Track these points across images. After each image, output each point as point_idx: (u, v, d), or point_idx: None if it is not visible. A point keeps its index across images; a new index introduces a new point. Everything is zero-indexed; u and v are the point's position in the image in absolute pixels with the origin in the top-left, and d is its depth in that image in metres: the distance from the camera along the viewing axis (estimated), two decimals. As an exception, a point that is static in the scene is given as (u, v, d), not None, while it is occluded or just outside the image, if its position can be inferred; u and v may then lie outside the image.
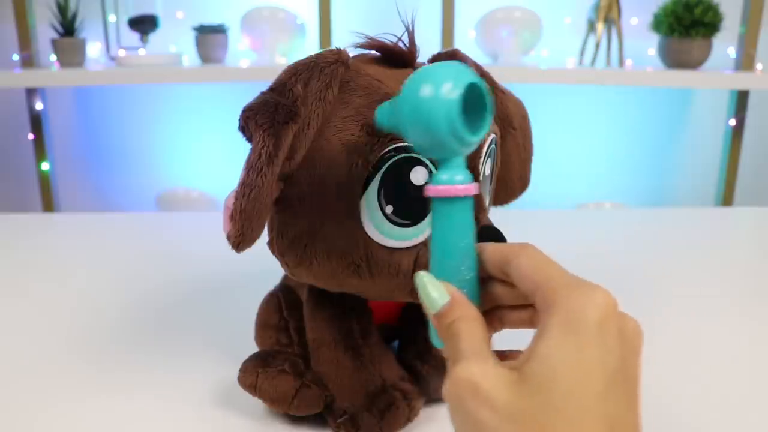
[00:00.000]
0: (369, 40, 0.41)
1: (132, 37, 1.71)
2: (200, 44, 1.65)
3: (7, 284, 0.71)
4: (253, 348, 0.50)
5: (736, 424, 0.45)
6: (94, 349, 0.55)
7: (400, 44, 0.41)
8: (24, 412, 0.46)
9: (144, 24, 1.66)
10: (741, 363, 0.53)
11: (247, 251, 0.36)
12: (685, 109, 1.93)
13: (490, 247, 0.31)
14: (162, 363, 0.52)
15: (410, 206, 0.38)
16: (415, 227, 0.39)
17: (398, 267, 0.39)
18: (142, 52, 1.68)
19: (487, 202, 0.42)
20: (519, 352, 0.28)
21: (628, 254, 0.81)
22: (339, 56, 0.39)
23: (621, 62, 1.68)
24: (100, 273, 0.73)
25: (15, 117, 1.84)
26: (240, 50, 1.78)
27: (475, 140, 0.30)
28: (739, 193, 1.79)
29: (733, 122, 1.75)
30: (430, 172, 0.38)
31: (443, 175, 0.31)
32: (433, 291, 0.29)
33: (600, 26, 1.64)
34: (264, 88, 0.38)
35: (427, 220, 0.39)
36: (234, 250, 0.36)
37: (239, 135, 0.37)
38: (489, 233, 0.38)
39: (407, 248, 0.39)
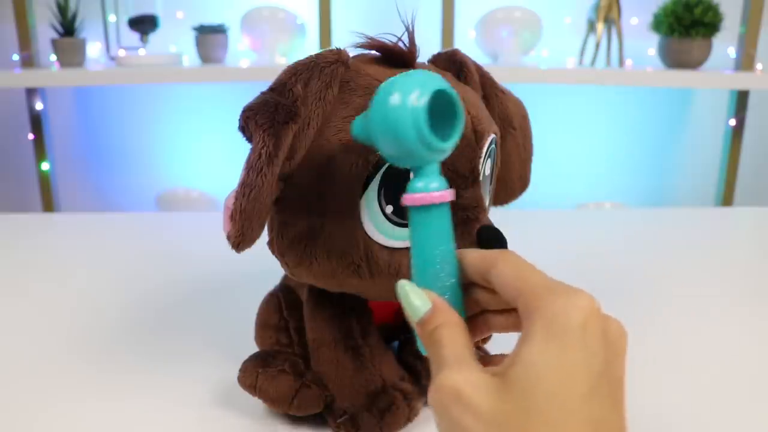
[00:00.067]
0: (369, 40, 0.40)
1: (132, 37, 1.71)
2: (200, 44, 1.66)
3: (7, 284, 0.71)
4: (253, 348, 0.50)
5: (736, 424, 0.45)
6: (94, 350, 0.55)
7: (400, 44, 0.41)
8: (24, 412, 0.46)
9: (144, 24, 1.66)
10: (741, 363, 0.53)
11: (247, 251, 0.36)
12: (685, 109, 1.93)
13: (471, 254, 0.31)
14: (162, 363, 0.52)
15: (410, 206, 0.38)
16: (415, 227, 0.39)
17: (398, 267, 0.39)
18: (142, 52, 1.68)
19: (487, 202, 0.42)
20: (503, 356, 0.28)
21: (628, 254, 0.81)
22: (339, 56, 0.39)
23: (621, 62, 1.68)
24: (100, 273, 0.73)
25: (15, 117, 1.84)
26: (240, 50, 1.78)
27: (446, 147, 0.30)
28: (739, 193, 1.79)
29: (733, 122, 1.75)
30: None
31: (418, 183, 0.30)
32: (415, 299, 0.29)
33: (600, 26, 1.64)
34: (264, 88, 0.38)
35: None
36: (234, 250, 0.36)
37: (239, 135, 0.37)
38: (489, 233, 0.38)
39: (407, 248, 0.39)
